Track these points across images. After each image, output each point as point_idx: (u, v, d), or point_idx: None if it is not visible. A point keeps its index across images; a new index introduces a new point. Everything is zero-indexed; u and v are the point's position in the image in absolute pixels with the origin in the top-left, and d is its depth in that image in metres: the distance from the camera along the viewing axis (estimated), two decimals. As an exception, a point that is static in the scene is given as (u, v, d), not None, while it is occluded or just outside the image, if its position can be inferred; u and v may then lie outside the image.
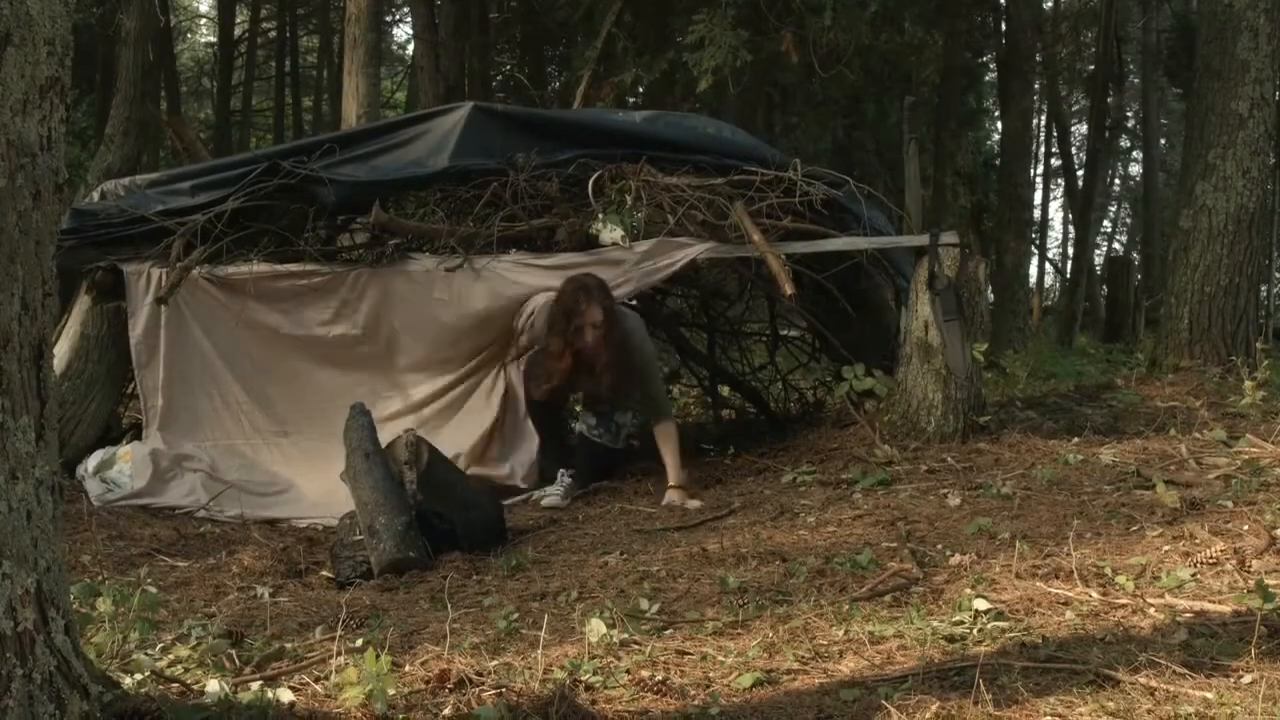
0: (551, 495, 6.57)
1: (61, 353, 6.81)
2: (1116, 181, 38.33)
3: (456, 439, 6.68)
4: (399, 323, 6.92)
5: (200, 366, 6.93)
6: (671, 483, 6.26)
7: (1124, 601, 3.63)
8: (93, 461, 6.68)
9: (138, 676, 3.19)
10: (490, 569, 4.91)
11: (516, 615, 3.93)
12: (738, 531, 5.20)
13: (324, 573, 5.07)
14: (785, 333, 9.17)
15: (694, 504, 6.09)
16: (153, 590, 4.21)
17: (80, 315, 7.05)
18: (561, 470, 6.70)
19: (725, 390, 9.47)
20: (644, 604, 3.99)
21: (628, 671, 3.23)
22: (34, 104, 2.34)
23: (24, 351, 2.34)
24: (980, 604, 3.65)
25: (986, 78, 22.91)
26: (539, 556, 5.10)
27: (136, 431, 7.13)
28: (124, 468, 6.58)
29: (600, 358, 6.40)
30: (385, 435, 5.57)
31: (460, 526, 5.30)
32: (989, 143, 24.41)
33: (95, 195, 7.84)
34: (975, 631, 3.48)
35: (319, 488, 6.60)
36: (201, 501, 6.43)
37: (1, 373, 2.29)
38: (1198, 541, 4.24)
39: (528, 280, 6.80)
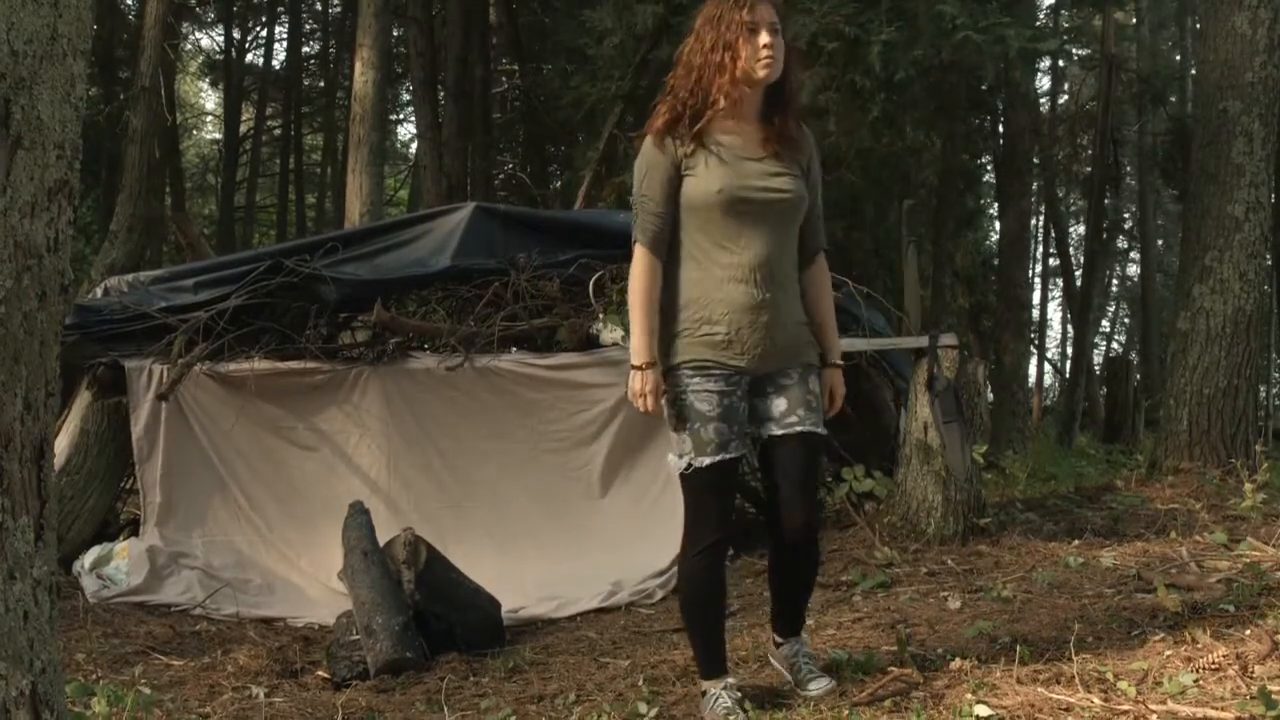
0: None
1: (61, 448, 6.82)
2: (1115, 282, 38.51)
3: (462, 537, 6.65)
4: (399, 420, 6.93)
5: (200, 463, 6.93)
6: (833, 359, 4.15)
7: (1126, 708, 3.60)
8: (89, 557, 6.65)
9: (130, 779, 3.16)
10: (488, 670, 4.87)
11: (514, 718, 3.89)
12: (736, 635, 5.16)
13: (320, 673, 5.04)
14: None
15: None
16: (147, 690, 4.18)
17: (81, 410, 7.07)
18: (718, 688, 3.91)
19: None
20: (642, 708, 3.95)
21: (625, 777, 3.20)
22: (42, 206, 2.37)
23: (25, 451, 2.35)
24: (981, 710, 3.62)
25: (985, 179, 23.10)
26: (536, 658, 5.07)
27: (134, 527, 7.11)
28: (120, 564, 6.56)
29: (788, 88, 4.03)
30: (384, 534, 5.55)
31: (458, 626, 5.27)
32: (987, 243, 24.53)
33: (99, 291, 7.89)
34: (976, 738, 3.45)
35: (316, 586, 6.58)
36: (198, 599, 6.40)
37: (2, 473, 2.29)
38: (1200, 646, 4.21)
39: (527, 380, 6.84)
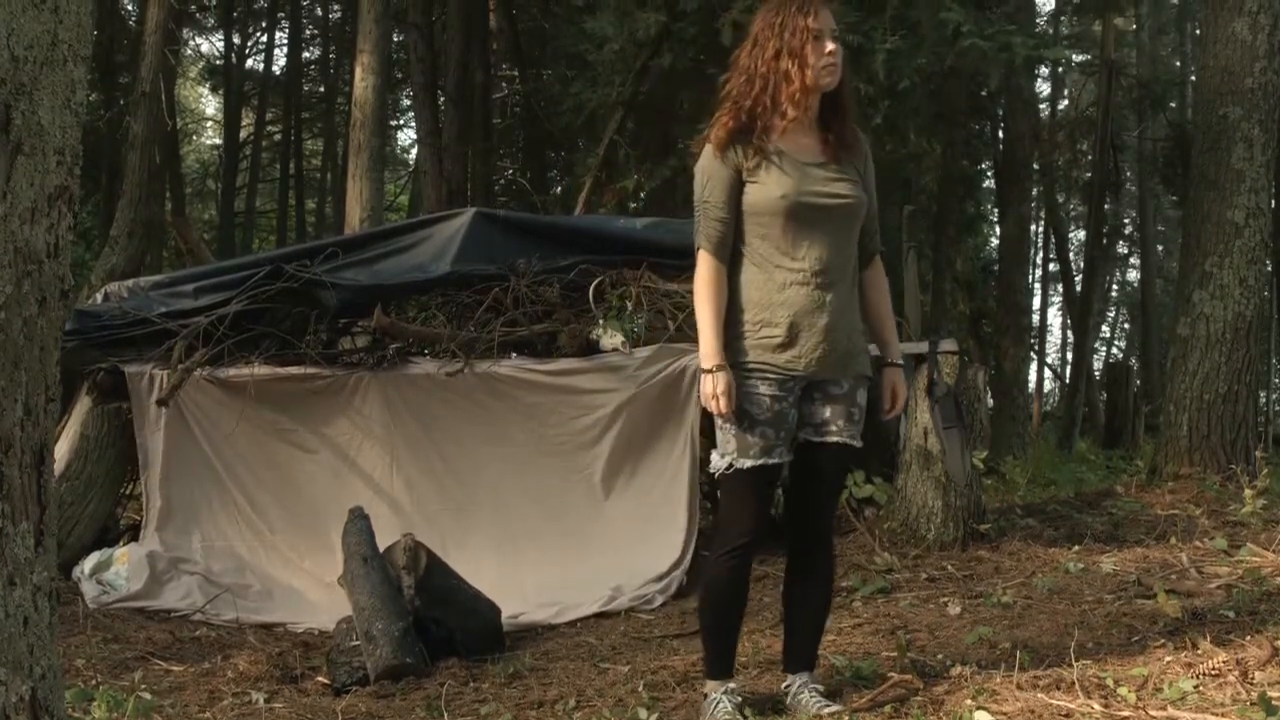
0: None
1: (61, 453, 6.81)
2: (1115, 287, 38.47)
3: (464, 540, 6.65)
4: (400, 424, 6.93)
5: (200, 468, 6.93)
6: (894, 359, 4.19)
7: (1126, 713, 3.60)
8: (89, 563, 6.65)
9: (130, 785, 3.15)
10: (488, 676, 4.87)
11: (513, 724, 3.89)
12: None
13: (320, 678, 5.03)
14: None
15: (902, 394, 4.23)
16: (147, 696, 4.18)
17: (80, 416, 7.06)
18: (720, 691, 3.92)
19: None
20: (642, 713, 3.95)
21: (625, 783, 3.20)
22: (42, 212, 2.36)
23: (25, 457, 2.34)
24: (982, 716, 3.62)
25: (985, 185, 23.09)
26: (537, 664, 5.06)
27: (134, 533, 7.11)
28: (120, 569, 6.56)
29: (844, 93, 4.00)
30: (388, 537, 5.55)
31: (458, 632, 5.27)
32: (988, 249, 24.52)
33: (99, 297, 7.90)
34: (976, 744, 3.44)
35: (316, 591, 6.57)
36: (197, 604, 6.40)
37: (2, 478, 2.29)
38: (1200, 652, 4.20)
39: (528, 385, 6.85)
